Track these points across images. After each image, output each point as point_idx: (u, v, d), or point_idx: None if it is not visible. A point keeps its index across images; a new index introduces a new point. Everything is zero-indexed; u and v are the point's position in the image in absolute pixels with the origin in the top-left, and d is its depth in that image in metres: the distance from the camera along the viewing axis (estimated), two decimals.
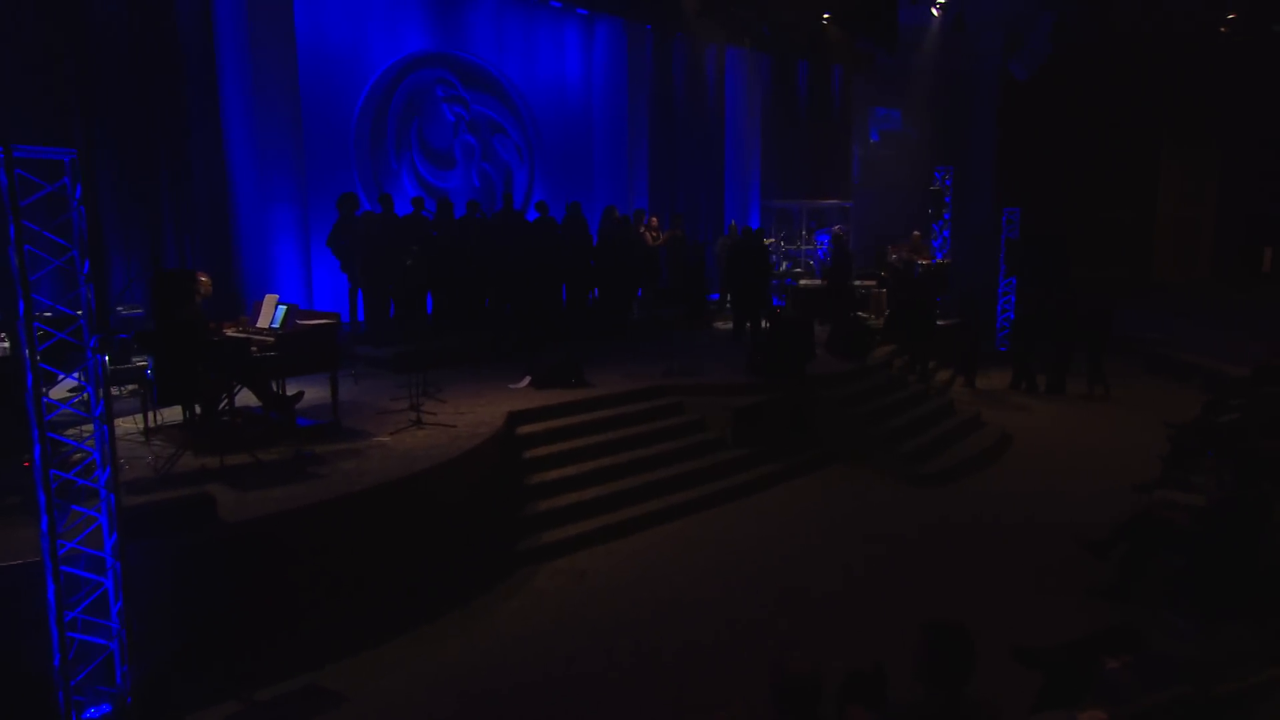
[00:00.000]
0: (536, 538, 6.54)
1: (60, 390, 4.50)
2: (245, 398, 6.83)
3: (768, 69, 16.91)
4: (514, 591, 5.92)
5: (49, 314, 4.11)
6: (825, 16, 15.92)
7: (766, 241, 13.45)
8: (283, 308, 7.05)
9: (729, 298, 13.19)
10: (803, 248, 15.41)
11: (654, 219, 13.50)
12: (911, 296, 11.20)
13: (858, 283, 14.47)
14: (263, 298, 7.36)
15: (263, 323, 7.10)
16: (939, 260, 15.47)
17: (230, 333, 7.04)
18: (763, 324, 11.46)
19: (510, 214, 11.46)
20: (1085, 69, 18.93)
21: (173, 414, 6.88)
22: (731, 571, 6.25)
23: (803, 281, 14.29)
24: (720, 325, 13.25)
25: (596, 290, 12.27)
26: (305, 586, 5.19)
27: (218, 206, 9.60)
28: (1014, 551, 6.63)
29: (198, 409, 6.54)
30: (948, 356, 11.72)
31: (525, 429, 7.62)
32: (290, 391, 7.26)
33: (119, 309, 8.52)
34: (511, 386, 8.82)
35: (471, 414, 7.63)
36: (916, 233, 15.73)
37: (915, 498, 7.86)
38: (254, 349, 6.56)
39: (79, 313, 3.95)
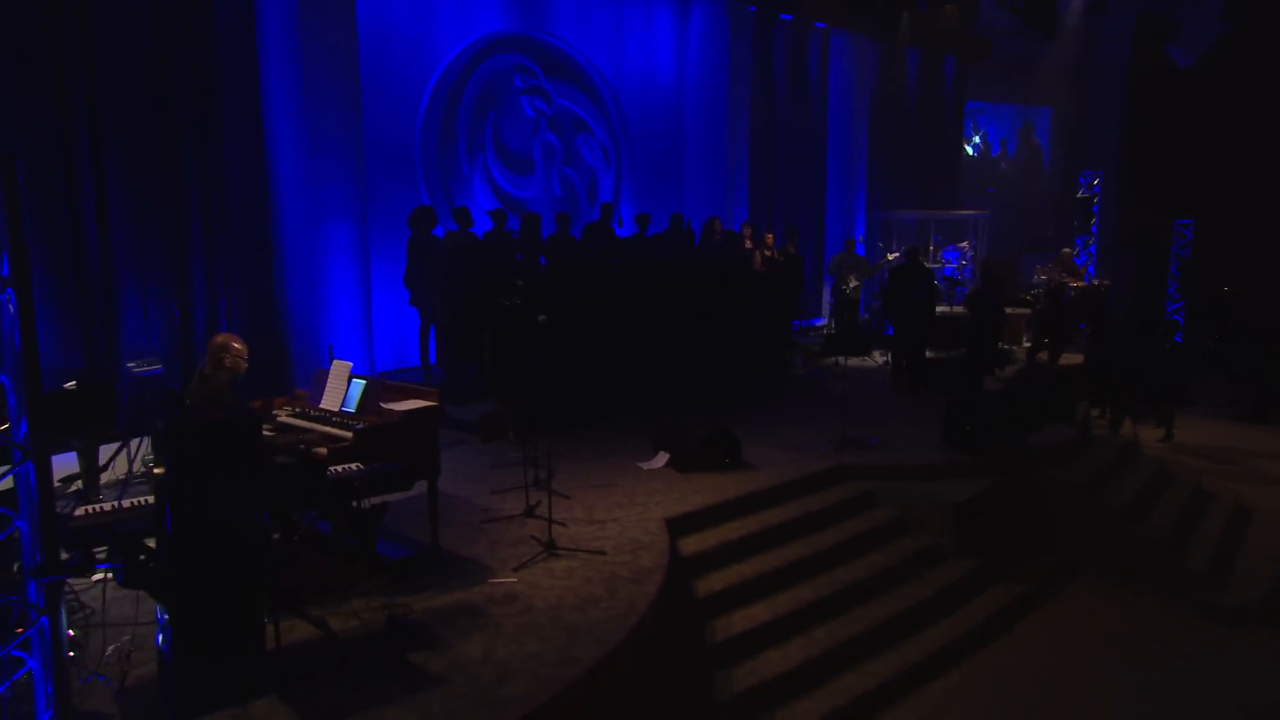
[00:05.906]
0: None
1: None
2: None
3: (875, 57, 14.64)
4: None
5: None
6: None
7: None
8: (359, 383, 4.89)
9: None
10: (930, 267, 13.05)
11: (768, 235, 11.29)
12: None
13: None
14: (328, 362, 5.15)
15: (329, 403, 4.95)
16: (1090, 281, 13.15)
17: (284, 418, 4.90)
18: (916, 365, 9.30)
19: (607, 228, 9.24)
20: (1233, 56, 16.51)
21: None
22: None
23: (938, 308, 11.91)
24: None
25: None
26: None
27: (256, 222, 7.41)
28: None
29: None
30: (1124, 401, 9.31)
31: (689, 545, 5.44)
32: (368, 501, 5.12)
33: (131, 365, 6.43)
34: (643, 466, 6.66)
35: (613, 521, 5.48)
36: (1066, 249, 13.44)
37: (1242, 649, 5.55)
38: (322, 452, 4.41)
39: None
